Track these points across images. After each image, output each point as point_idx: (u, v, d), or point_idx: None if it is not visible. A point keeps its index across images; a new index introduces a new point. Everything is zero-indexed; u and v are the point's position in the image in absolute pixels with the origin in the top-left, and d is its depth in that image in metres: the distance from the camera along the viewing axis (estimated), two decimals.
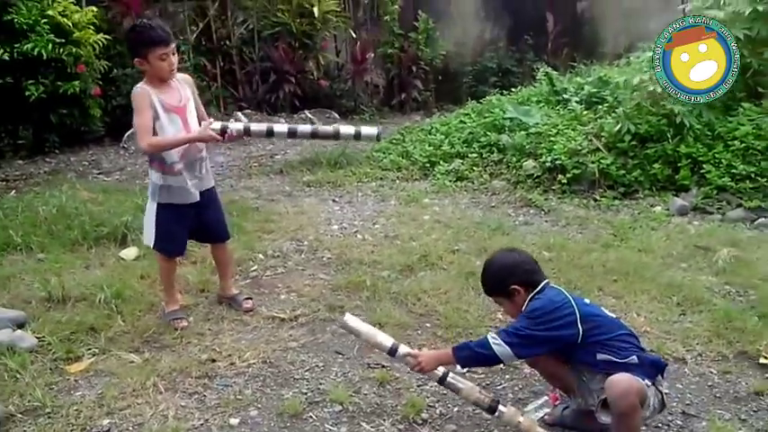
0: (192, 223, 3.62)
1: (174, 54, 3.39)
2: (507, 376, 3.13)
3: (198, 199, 3.55)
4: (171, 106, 3.43)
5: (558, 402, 2.85)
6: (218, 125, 3.42)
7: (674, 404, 2.91)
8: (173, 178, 3.48)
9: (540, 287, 2.68)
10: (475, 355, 2.60)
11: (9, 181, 6.59)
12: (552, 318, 2.54)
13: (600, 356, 2.52)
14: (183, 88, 3.52)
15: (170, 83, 3.47)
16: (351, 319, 2.84)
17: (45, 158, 7.47)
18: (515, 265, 2.74)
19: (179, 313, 3.66)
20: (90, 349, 3.36)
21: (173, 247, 3.64)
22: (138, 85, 3.43)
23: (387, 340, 2.78)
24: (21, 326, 3.50)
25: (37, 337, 3.40)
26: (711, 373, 3.14)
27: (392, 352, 2.75)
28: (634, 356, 2.51)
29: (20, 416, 2.82)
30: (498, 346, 2.52)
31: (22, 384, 3.01)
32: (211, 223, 3.71)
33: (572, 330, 2.52)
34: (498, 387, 3.08)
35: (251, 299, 3.88)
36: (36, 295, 3.91)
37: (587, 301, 2.73)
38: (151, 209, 3.57)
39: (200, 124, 3.50)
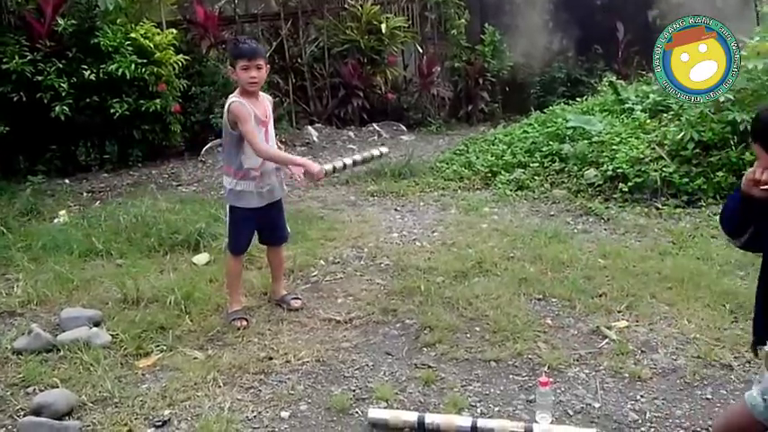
0: (257, 224, 3.94)
1: (257, 69, 3.71)
2: (551, 379, 3.19)
3: (261, 205, 3.84)
4: (259, 119, 3.75)
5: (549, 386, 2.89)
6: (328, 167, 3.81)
7: (716, 409, 2.92)
8: (244, 183, 3.78)
9: None
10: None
11: (95, 192, 7.03)
12: None
13: None
14: (267, 106, 3.87)
15: (258, 98, 3.82)
16: (374, 412, 2.93)
17: (128, 171, 7.89)
18: None
19: (240, 313, 3.89)
20: (158, 346, 3.61)
21: (236, 244, 3.94)
22: (233, 97, 3.75)
23: (411, 415, 2.89)
24: (97, 324, 3.80)
25: (111, 335, 3.69)
26: None
27: (420, 425, 2.84)
28: None
29: (90, 404, 3.08)
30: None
31: (95, 376, 3.28)
32: (271, 226, 4.00)
33: None
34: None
35: (299, 298, 4.11)
36: (113, 296, 4.21)
37: None
38: (227, 211, 3.90)
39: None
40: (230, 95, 3.79)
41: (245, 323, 3.81)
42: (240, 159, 3.77)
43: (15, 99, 7.05)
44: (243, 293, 4.11)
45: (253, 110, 3.72)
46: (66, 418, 2.96)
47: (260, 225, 3.97)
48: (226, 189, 3.87)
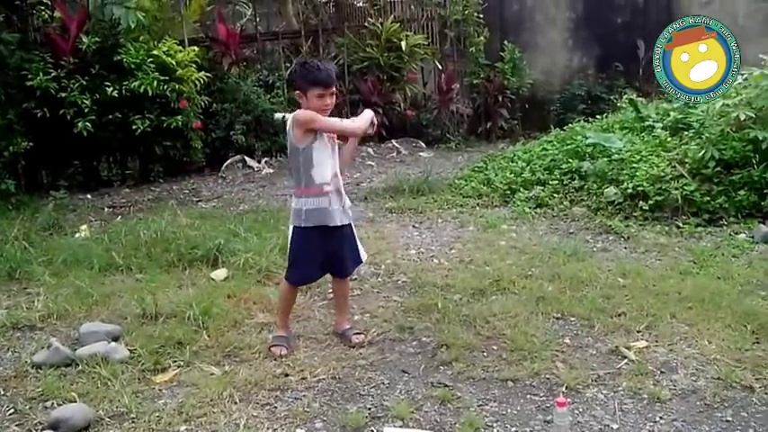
0: (324, 253, 3.70)
1: (331, 96, 3.52)
2: (569, 400, 3.15)
3: (339, 223, 3.62)
4: (328, 135, 3.58)
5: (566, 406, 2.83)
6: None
7: None
8: (317, 200, 3.55)
9: None
10: None
11: (116, 207, 7.11)
12: None
13: None
14: None
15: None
16: (390, 430, 2.89)
17: (150, 187, 7.98)
18: None
19: (282, 340, 3.76)
20: (176, 361, 3.62)
21: (300, 273, 3.77)
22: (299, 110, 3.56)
23: None
24: (116, 339, 3.82)
25: (129, 350, 3.70)
26: None
27: None
28: None
29: (107, 419, 3.09)
30: None
31: (112, 391, 3.29)
32: (337, 256, 3.75)
33: None
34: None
35: (362, 333, 3.85)
36: (132, 311, 4.23)
37: None
38: (291, 235, 3.69)
39: None
40: (299, 110, 3.57)
41: (283, 351, 3.67)
42: (311, 175, 3.54)
43: (39, 115, 7.18)
44: (290, 318, 3.96)
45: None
46: None
47: (326, 254, 3.70)
48: (297, 212, 3.60)
